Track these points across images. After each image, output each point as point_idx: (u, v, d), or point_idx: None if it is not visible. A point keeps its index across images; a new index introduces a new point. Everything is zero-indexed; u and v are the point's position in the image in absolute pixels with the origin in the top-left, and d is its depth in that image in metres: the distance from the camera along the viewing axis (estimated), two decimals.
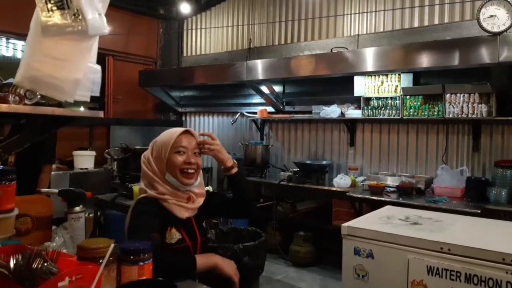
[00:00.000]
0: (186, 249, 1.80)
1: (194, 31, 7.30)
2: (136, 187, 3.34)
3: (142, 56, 7.18)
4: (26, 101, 1.55)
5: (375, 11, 5.23)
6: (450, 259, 1.97)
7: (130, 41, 6.87)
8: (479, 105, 4.15)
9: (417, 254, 2.07)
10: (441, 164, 4.65)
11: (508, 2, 3.75)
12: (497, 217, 3.57)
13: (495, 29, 3.75)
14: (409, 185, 4.37)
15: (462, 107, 4.24)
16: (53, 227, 1.85)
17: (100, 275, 1.03)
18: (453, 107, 4.28)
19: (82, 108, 1.80)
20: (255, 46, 6.40)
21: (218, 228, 2.69)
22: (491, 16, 3.76)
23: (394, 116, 4.70)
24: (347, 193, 4.55)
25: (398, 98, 4.67)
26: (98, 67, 1.70)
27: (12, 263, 1.08)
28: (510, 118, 4.11)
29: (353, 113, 5.08)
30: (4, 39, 5.84)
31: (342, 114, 5.19)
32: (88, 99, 1.64)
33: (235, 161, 2.02)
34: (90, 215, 3.99)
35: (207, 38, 7.12)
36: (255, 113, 6.14)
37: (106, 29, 1.49)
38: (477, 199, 4.01)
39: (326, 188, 4.96)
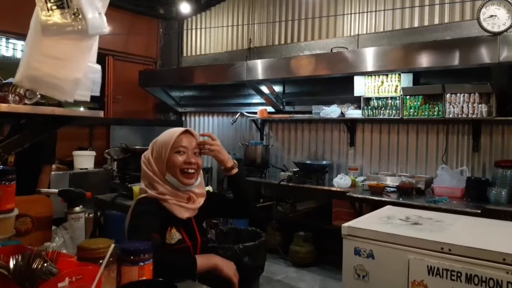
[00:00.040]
0: (186, 249, 1.79)
1: (194, 31, 7.30)
2: (136, 187, 3.34)
3: (142, 56, 7.17)
4: (26, 101, 1.54)
5: (375, 11, 5.23)
6: (451, 259, 1.97)
7: (130, 41, 6.87)
8: (479, 105, 4.15)
9: (417, 254, 2.06)
10: (441, 164, 4.64)
11: (508, 2, 3.75)
12: (497, 217, 3.57)
13: (495, 29, 3.74)
14: (409, 185, 4.36)
15: (462, 107, 4.23)
16: (53, 227, 1.85)
17: (100, 275, 1.03)
18: (453, 107, 4.28)
19: (82, 108, 1.80)
20: (255, 46, 6.40)
21: (218, 228, 2.69)
22: (491, 16, 3.76)
23: (394, 116, 4.70)
24: (347, 193, 4.55)
25: (398, 98, 4.67)
26: (98, 67, 1.69)
27: (12, 264, 1.08)
28: (510, 118, 4.11)
29: (353, 113, 5.08)
30: (4, 39, 5.84)
31: (342, 114, 5.19)
32: (88, 99, 1.63)
33: (235, 162, 2.01)
34: (90, 215, 3.98)
35: (207, 38, 7.12)
36: (255, 113, 6.14)
37: (106, 28, 1.48)
38: (477, 199, 4.01)
39: (326, 188, 4.96)
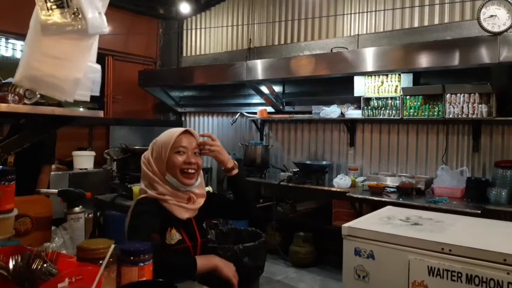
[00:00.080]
0: (186, 250, 1.79)
1: (193, 31, 7.30)
2: (135, 188, 3.33)
3: (142, 56, 7.17)
4: (26, 101, 1.54)
5: (375, 11, 5.22)
6: (451, 260, 1.96)
7: (129, 41, 6.86)
8: (479, 105, 4.14)
9: (418, 255, 2.06)
10: (441, 164, 4.64)
11: (509, 2, 3.75)
12: (497, 218, 3.57)
13: (496, 29, 3.74)
14: (409, 185, 4.36)
15: (462, 107, 4.23)
16: (53, 227, 1.85)
17: (100, 276, 1.03)
18: (453, 107, 4.28)
19: (81, 108, 1.79)
20: (255, 46, 6.40)
21: (218, 229, 2.69)
22: (492, 16, 3.76)
23: (394, 116, 4.70)
24: (347, 194, 4.54)
25: (398, 98, 4.67)
26: (98, 67, 1.69)
27: (11, 264, 1.07)
28: (510, 118, 4.11)
29: (353, 113, 5.07)
30: (3, 39, 5.83)
31: (342, 114, 5.18)
32: (88, 99, 1.63)
33: (235, 162, 2.01)
34: (90, 215, 3.98)
35: (207, 38, 7.11)
36: (255, 113, 6.14)
37: (106, 28, 1.48)
38: (477, 199, 4.00)
39: (326, 188, 4.95)
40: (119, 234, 1.77)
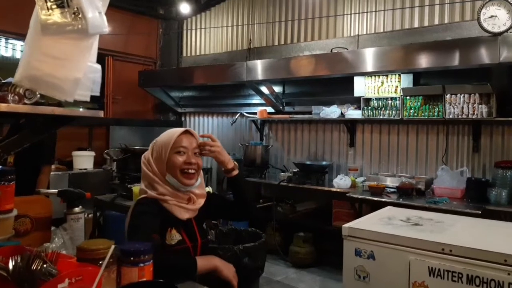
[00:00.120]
0: (186, 250, 1.78)
1: (193, 31, 7.29)
2: (135, 188, 3.33)
3: (142, 56, 7.16)
4: (26, 101, 1.53)
5: (375, 11, 5.22)
6: (452, 260, 1.96)
7: (129, 41, 6.86)
8: (479, 106, 4.14)
9: (418, 255, 2.05)
10: (441, 164, 4.64)
11: (509, 2, 3.75)
12: (497, 218, 3.56)
13: (496, 30, 3.74)
14: (409, 186, 4.36)
15: (462, 107, 4.23)
16: (52, 228, 1.84)
17: (100, 276, 1.02)
18: (453, 108, 4.27)
19: (81, 109, 1.79)
20: (255, 47, 6.40)
21: (218, 229, 2.68)
22: (492, 16, 3.76)
23: (394, 116, 4.69)
24: (347, 194, 4.54)
25: (398, 98, 4.66)
26: (98, 66, 1.68)
27: (11, 265, 1.07)
28: (510, 118, 4.11)
29: (353, 113, 5.07)
30: (3, 39, 5.82)
31: (342, 114, 5.18)
32: (88, 99, 1.62)
33: (236, 163, 2.00)
34: (89, 215, 3.97)
35: (207, 38, 7.11)
36: (255, 113, 6.13)
37: (106, 28, 1.48)
38: (478, 200, 4.00)
39: (326, 188, 4.95)
40: (119, 234, 1.77)
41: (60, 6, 1.37)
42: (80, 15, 1.38)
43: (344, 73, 4.83)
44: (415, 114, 4.53)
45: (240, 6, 6.62)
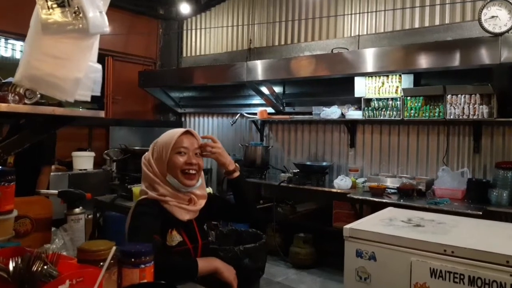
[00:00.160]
0: (186, 251, 1.78)
1: (194, 31, 7.29)
2: (135, 188, 3.32)
3: (142, 56, 7.16)
4: (26, 101, 1.53)
5: (376, 12, 5.22)
6: (454, 262, 1.95)
7: (129, 42, 6.85)
8: (480, 106, 4.13)
9: (420, 257, 2.05)
10: (442, 165, 4.63)
11: (510, 2, 3.74)
12: (498, 219, 3.57)
13: (497, 30, 3.73)
14: (410, 186, 4.35)
15: (463, 108, 4.22)
16: (53, 228, 1.83)
17: (101, 278, 1.01)
18: (454, 108, 4.27)
19: (80, 109, 1.78)
20: (255, 47, 6.39)
21: (219, 230, 2.67)
22: (493, 16, 3.75)
23: (394, 117, 4.69)
24: (348, 195, 4.53)
25: (398, 99, 4.66)
26: (99, 66, 1.67)
27: (11, 266, 1.06)
28: (511, 119, 4.10)
29: (354, 114, 5.06)
30: (3, 39, 5.82)
31: (343, 115, 5.17)
32: (88, 99, 1.61)
33: (237, 165, 2.00)
34: (89, 216, 3.96)
35: (207, 38, 7.10)
36: (255, 114, 6.12)
37: (107, 27, 1.47)
38: (478, 200, 3.99)
39: (326, 189, 4.95)
40: (119, 235, 1.76)
41: (61, 5, 1.36)
42: (80, 15, 1.37)
43: (345, 74, 4.83)
44: (416, 115, 4.52)
45: (240, 6, 6.62)
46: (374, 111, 4.83)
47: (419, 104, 4.51)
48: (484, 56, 3.83)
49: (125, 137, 6.43)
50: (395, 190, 4.43)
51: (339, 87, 5.22)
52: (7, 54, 5.99)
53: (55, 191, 2.07)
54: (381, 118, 4.80)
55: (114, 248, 1.12)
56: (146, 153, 1.87)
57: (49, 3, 1.36)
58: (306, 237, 5.11)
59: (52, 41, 1.41)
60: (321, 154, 5.74)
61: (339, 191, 4.78)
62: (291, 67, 5.17)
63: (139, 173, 1.87)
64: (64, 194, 2.00)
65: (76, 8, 1.37)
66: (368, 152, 5.33)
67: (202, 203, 1.88)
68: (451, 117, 4.29)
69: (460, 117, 4.25)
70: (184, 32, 7.42)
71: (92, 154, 5.92)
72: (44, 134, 1.88)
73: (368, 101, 4.91)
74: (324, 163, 5.48)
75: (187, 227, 1.81)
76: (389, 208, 2.99)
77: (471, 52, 3.92)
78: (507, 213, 3.78)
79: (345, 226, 2.34)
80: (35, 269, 1.06)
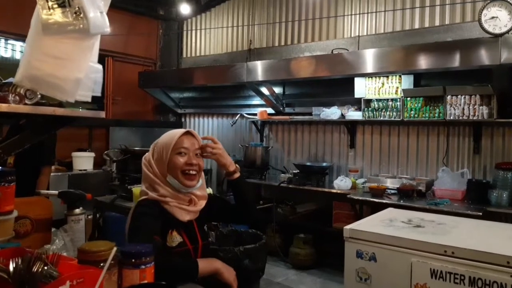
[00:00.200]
0: (187, 252, 1.78)
1: (194, 32, 7.29)
2: (135, 189, 3.32)
3: (142, 57, 7.15)
4: (26, 101, 1.52)
5: (376, 12, 5.22)
6: (454, 262, 1.95)
7: (129, 42, 6.85)
8: (480, 107, 4.13)
9: (420, 257, 2.04)
10: (442, 166, 4.63)
11: (510, 3, 3.74)
12: (498, 220, 3.57)
13: (497, 31, 3.73)
14: (410, 187, 4.34)
15: (463, 109, 4.22)
16: (53, 229, 1.83)
17: (102, 279, 1.01)
18: (454, 109, 4.27)
19: (80, 109, 1.78)
20: (255, 47, 6.39)
21: (218, 231, 2.67)
22: (493, 17, 3.75)
23: (394, 117, 4.69)
24: (348, 195, 4.52)
25: (398, 99, 4.66)
26: (100, 67, 1.67)
27: (11, 267, 1.06)
28: (511, 120, 4.10)
29: (354, 114, 5.06)
30: (3, 40, 5.81)
31: (343, 115, 5.17)
32: (89, 99, 1.61)
33: (237, 166, 1.99)
34: (89, 217, 3.96)
35: (207, 39, 7.10)
36: (255, 114, 6.12)
37: (108, 28, 1.47)
38: (478, 201, 3.99)
39: (326, 190, 4.94)
40: (119, 235, 1.76)
41: (61, 5, 1.36)
42: (81, 15, 1.37)
43: (345, 74, 4.82)
44: (416, 115, 4.52)
45: (240, 7, 6.62)
46: (374, 112, 4.83)
47: (419, 105, 4.51)
48: (484, 57, 3.83)
49: (125, 138, 6.43)
50: (395, 191, 4.43)
51: (339, 87, 5.22)
52: (7, 54, 5.99)
53: (56, 192, 2.07)
54: (381, 118, 4.80)
55: (114, 249, 1.12)
56: (147, 153, 1.87)
57: (50, 3, 1.36)
58: (306, 238, 5.11)
59: (52, 41, 1.41)
60: (321, 155, 5.74)
61: (339, 191, 4.78)
62: (291, 67, 5.17)
63: (139, 174, 1.87)
64: (65, 194, 2.00)
65: (77, 9, 1.36)
66: (368, 153, 5.33)
67: (202, 203, 1.88)
68: (451, 117, 4.29)
69: (460, 117, 4.25)
70: (184, 32, 7.42)
71: (92, 154, 5.91)
72: (45, 134, 1.88)
73: (368, 101, 4.91)
74: (324, 164, 5.48)
75: (187, 228, 1.81)
76: (389, 209, 2.99)
77: (471, 53, 3.92)
78: (507, 214, 3.77)
79: (345, 227, 2.33)
80: (35, 270, 1.06)
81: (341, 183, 4.82)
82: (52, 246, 1.63)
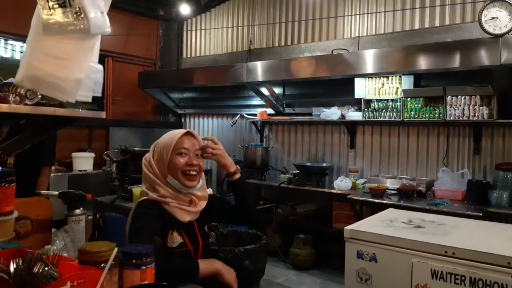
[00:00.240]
0: (187, 253, 1.77)
1: (194, 32, 7.29)
2: (135, 189, 3.31)
3: (142, 57, 7.15)
4: (27, 101, 1.52)
5: (376, 13, 5.22)
6: (455, 263, 1.95)
7: (129, 42, 6.85)
8: (480, 108, 4.13)
9: (421, 258, 2.04)
10: (442, 166, 4.63)
11: (510, 4, 3.74)
12: (498, 220, 3.57)
13: (497, 31, 3.73)
14: (410, 187, 4.34)
15: (463, 109, 4.22)
16: (53, 230, 1.83)
17: (103, 279, 1.01)
18: (454, 110, 4.27)
19: (80, 109, 1.78)
20: (255, 48, 6.39)
21: (219, 231, 2.66)
22: (493, 18, 3.75)
23: (394, 118, 4.69)
24: (348, 196, 4.52)
25: (399, 100, 4.66)
26: (100, 67, 1.67)
27: (12, 268, 1.05)
28: (511, 120, 4.10)
29: (354, 115, 5.06)
30: (3, 40, 5.81)
31: (343, 116, 5.17)
32: (89, 99, 1.61)
33: (238, 167, 1.99)
34: (89, 217, 3.96)
35: (207, 39, 7.10)
36: (255, 115, 6.12)
37: (109, 28, 1.47)
38: (478, 202, 3.99)
39: (326, 190, 4.94)
40: (119, 236, 1.75)
41: (62, 5, 1.36)
42: (82, 15, 1.37)
43: (345, 75, 4.82)
44: (416, 116, 4.52)
45: (240, 7, 6.62)
46: (374, 112, 4.83)
47: (419, 105, 4.51)
48: (484, 58, 3.83)
49: (125, 138, 6.42)
50: (395, 191, 4.43)
51: (339, 88, 5.22)
52: (7, 54, 5.99)
53: (56, 192, 2.07)
54: (381, 119, 4.80)
55: (116, 249, 1.12)
56: (147, 154, 1.87)
57: (50, 3, 1.35)
58: (306, 238, 5.11)
59: (53, 41, 1.41)
60: (321, 155, 5.74)
61: (339, 192, 4.78)
62: (291, 68, 5.17)
63: (139, 174, 1.86)
64: (65, 195, 2.00)
65: (77, 9, 1.36)
66: (368, 153, 5.33)
67: (202, 204, 1.88)
68: (451, 118, 4.29)
69: (460, 118, 4.25)
70: (184, 33, 7.42)
71: (92, 155, 5.91)
72: (45, 134, 1.87)
73: (368, 102, 4.91)
74: (324, 164, 5.48)
75: (187, 229, 1.81)
76: (389, 209, 2.99)
77: (471, 54, 3.92)
78: (507, 214, 3.77)
79: (345, 227, 2.33)
80: (36, 270, 1.06)
81: (341, 184, 4.82)
82: (52, 247, 1.63)
